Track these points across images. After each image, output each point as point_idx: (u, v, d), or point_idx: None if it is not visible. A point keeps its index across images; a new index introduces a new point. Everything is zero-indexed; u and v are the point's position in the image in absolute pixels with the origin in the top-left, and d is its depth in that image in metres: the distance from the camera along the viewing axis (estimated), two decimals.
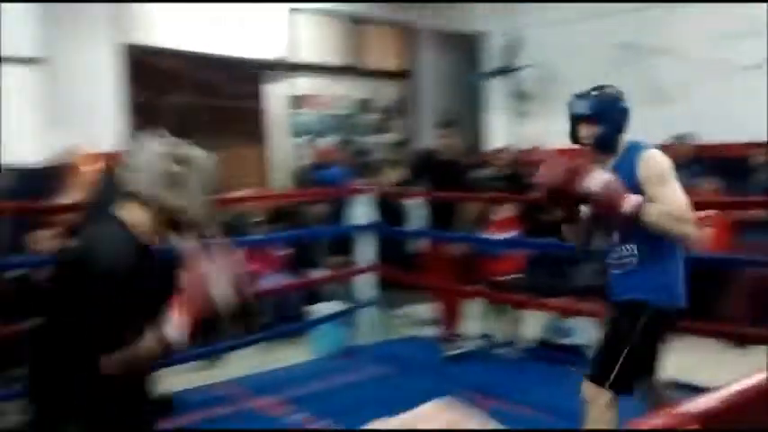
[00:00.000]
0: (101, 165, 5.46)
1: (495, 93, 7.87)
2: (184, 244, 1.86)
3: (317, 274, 5.97)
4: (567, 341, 4.97)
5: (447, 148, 5.34)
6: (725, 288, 5.54)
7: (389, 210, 7.07)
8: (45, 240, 4.69)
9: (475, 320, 5.44)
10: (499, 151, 7.49)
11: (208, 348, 5.01)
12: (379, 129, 8.83)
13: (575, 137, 2.76)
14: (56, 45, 5.75)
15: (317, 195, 6.36)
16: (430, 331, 5.55)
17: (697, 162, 6.09)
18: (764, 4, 5.69)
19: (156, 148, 1.87)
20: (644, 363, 2.68)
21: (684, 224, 2.44)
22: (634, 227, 2.50)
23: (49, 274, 1.85)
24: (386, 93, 8.82)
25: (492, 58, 7.84)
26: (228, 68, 7.64)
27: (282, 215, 6.55)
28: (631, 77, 6.72)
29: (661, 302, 2.60)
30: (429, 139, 6.17)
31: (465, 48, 8.81)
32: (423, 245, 5.71)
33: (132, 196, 1.84)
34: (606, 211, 2.52)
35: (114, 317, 1.71)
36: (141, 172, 1.83)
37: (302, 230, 6.12)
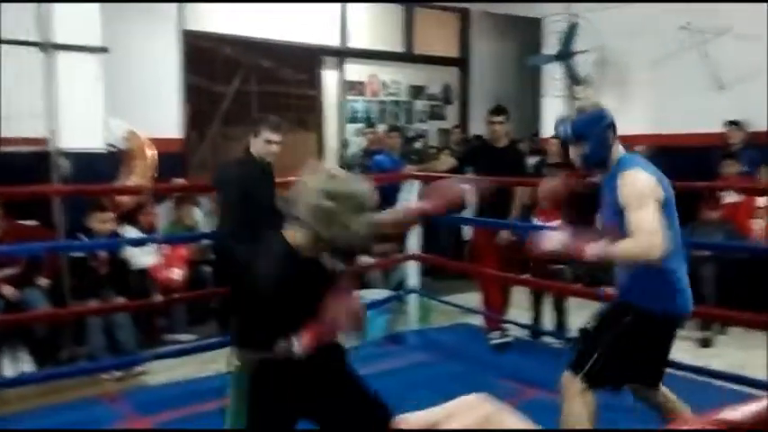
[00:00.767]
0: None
1: (553, 78, 7.72)
2: (338, 267, 2.21)
3: (364, 260, 6.02)
4: None
5: (498, 135, 5.29)
6: None
7: None
8: (104, 223, 4.90)
9: (521, 309, 5.40)
10: (553, 138, 7.40)
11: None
12: (433, 115, 8.80)
13: (566, 161, 2.89)
14: (118, 33, 5.91)
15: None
16: (476, 319, 5.54)
17: (753, 149, 5.88)
18: None
19: (314, 182, 2.11)
20: (629, 365, 2.71)
21: (646, 253, 2.46)
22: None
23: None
24: (440, 79, 8.78)
25: (549, 42, 7.69)
26: (284, 55, 7.73)
27: None
28: (693, 62, 6.52)
29: (652, 308, 2.63)
30: (483, 125, 6.13)
31: (521, 33, 8.68)
32: (472, 233, 5.68)
33: (296, 219, 2.13)
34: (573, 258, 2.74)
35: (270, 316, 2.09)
36: (301, 202, 2.10)
37: None
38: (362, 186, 2.17)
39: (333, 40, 7.68)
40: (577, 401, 2.67)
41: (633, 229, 2.48)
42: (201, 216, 5.95)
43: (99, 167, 5.18)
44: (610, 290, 5.41)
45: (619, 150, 2.75)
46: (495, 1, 8.27)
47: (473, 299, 5.67)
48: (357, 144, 7.79)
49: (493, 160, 5.21)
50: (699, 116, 6.48)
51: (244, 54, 7.47)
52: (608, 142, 2.71)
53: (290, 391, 2.19)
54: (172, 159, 6.31)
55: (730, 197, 5.56)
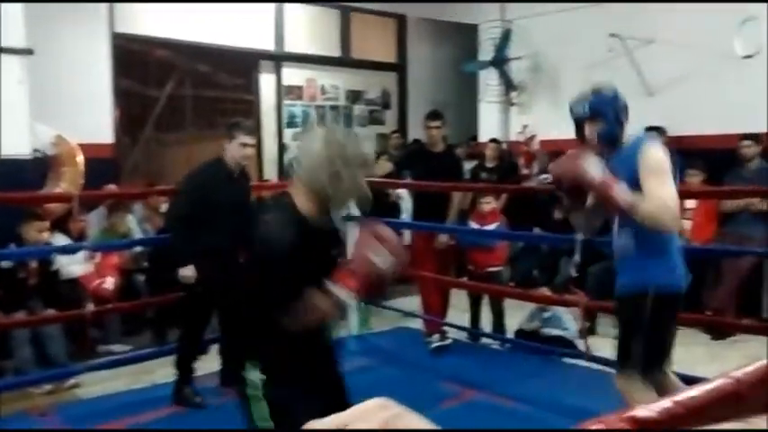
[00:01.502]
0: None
1: (488, 84, 7.85)
2: (348, 220, 2.28)
3: None
4: (549, 332, 4.98)
5: (435, 140, 5.34)
6: (712, 279, 5.57)
7: (379, 202, 7.09)
8: (40, 232, 4.73)
9: (460, 312, 5.46)
10: (490, 142, 7.52)
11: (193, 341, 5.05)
12: (371, 120, 8.83)
13: (581, 138, 2.91)
14: (44, 35, 5.73)
15: None
16: (415, 323, 5.57)
17: (677, 154, 6.09)
18: None
19: (322, 143, 2.11)
20: (660, 346, 2.81)
21: (665, 217, 2.58)
22: (626, 216, 2.65)
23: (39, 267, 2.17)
24: (378, 84, 8.81)
25: (485, 49, 7.81)
26: (220, 59, 7.64)
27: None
28: (622, 68, 6.72)
29: (660, 288, 2.72)
30: (421, 130, 6.18)
31: (458, 39, 8.79)
32: (411, 237, 5.71)
33: (300, 180, 2.13)
34: (599, 195, 2.71)
35: (285, 283, 2.02)
36: (309, 163, 2.10)
37: None
38: (360, 143, 2.22)
39: (269, 44, 7.62)
40: (643, 393, 2.71)
41: (656, 195, 2.57)
42: (135, 223, 5.80)
43: (25, 174, 5.00)
44: (540, 292, 5.56)
45: (628, 133, 2.88)
46: (421, 1, 8.35)
47: (412, 303, 5.70)
48: (295, 149, 7.74)
49: (430, 165, 5.26)
50: (629, 121, 6.67)
51: (178, 58, 7.34)
52: (622, 121, 2.87)
53: (307, 378, 2.19)
54: (103, 165, 6.14)
55: None
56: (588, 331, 4.92)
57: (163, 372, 4.45)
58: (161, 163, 6.91)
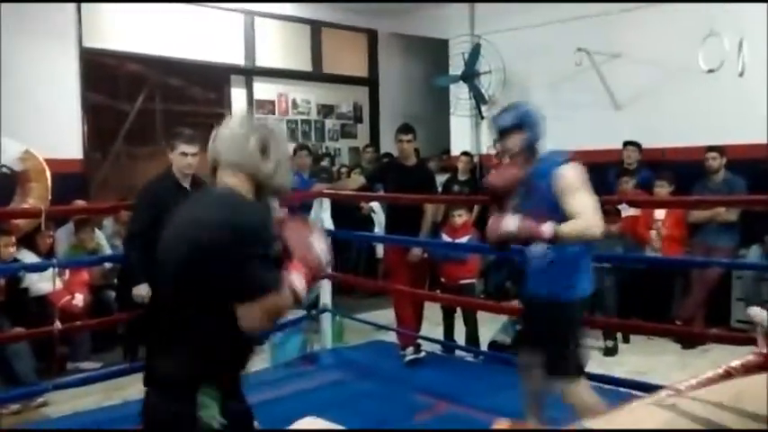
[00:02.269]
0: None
1: (459, 98, 7.92)
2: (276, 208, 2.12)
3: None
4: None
5: (407, 153, 5.37)
6: (681, 289, 5.66)
7: (352, 215, 7.09)
8: (7, 247, 4.66)
9: (434, 325, 5.47)
10: (462, 155, 7.57)
11: None
12: (344, 134, 8.84)
13: (502, 150, 3.03)
14: (13, 50, 5.67)
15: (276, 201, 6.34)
16: (390, 336, 5.56)
17: (646, 167, 6.21)
18: (722, 5, 5.81)
19: (246, 124, 2.04)
20: (582, 349, 3.00)
21: (591, 230, 2.75)
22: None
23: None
24: (350, 98, 8.84)
25: (455, 63, 7.89)
26: (191, 73, 7.60)
27: None
28: (590, 82, 6.84)
29: (578, 295, 2.91)
30: (392, 144, 6.21)
31: (429, 53, 8.87)
32: (382, 250, 5.73)
33: (229, 167, 1.97)
34: (527, 241, 2.85)
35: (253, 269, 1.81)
36: (236, 145, 1.97)
37: None
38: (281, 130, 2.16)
39: (240, 59, 7.61)
40: (580, 394, 2.85)
41: (578, 210, 2.73)
42: (104, 239, 5.73)
43: None
44: (512, 305, 5.60)
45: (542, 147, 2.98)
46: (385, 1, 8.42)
47: (387, 316, 5.70)
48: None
49: (402, 178, 5.28)
50: (597, 134, 6.78)
51: (149, 72, 7.29)
52: (541, 133, 2.96)
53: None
54: (72, 180, 6.07)
55: (628, 211, 5.84)
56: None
57: (134, 388, 4.37)
58: (132, 177, 6.82)
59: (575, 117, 7.06)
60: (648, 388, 3.68)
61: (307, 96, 8.36)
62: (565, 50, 6.71)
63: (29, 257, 4.93)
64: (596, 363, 4.99)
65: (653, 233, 5.72)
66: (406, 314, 5.20)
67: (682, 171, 5.79)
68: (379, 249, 7.14)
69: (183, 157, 3.92)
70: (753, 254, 5.41)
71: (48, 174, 5.46)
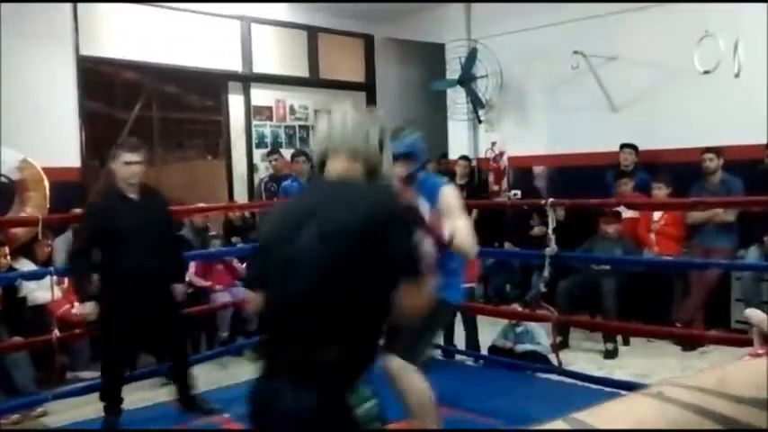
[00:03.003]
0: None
1: (456, 102, 7.93)
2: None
3: None
4: (522, 347, 5.01)
5: None
6: (680, 291, 5.65)
7: None
8: (4, 257, 4.65)
9: None
10: (460, 159, 7.58)
11: (165, 365, 4.98)
12: None
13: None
14: (10, 59, 5.67)
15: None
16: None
17: (643, 169, 6.22)
18: (717, 7, 5.82)
19: (364, 113, 2.08)
20: (428, 343, 3.31)
21: (467, 248, 2.93)
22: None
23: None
24: (346, 103, 8.84)
25: (452, 68, 7.90)
26: (188, 80, 7.61)
27: (240, 228, 6.53)
28: (587, 85, 6.85)
29: (450, 298, 3.13)
30: None
31: (425, 58, 8.88)
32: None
33: (350, 153, 1.96)
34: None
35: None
36: (361, 132, 1.97)
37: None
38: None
39: (237, 65, 7.62)
40: (417, 378, 3.04)
41: (460, 229, 2.90)
42: None
43: None
44: (511, 308, 5.60)
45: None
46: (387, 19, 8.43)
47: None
48: (266, 169, 7.72)
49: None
50: (593, 137, 6.80)
51: (146, 80, 7.30)
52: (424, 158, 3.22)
53: None
54: (70, 188, 6.06)
55: (628, 213, 5.85)
56: (560, 345, 4.96)
57: (133, 397, 4.38)
58: None
59: (572, 120, 7.09)
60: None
61: (304, 102, 8.36)
62: (561, 53, 6.72)
63: (27, 266, 4.92)
64: (597, 365, 5.00)
65: (653, 235, 5.73)
66: None
67: (679, 172, 5.79)
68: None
69: (126, 167, 3.87)
70: (751, 254, 5.41)
71: (45, 182, 5.46)
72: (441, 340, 5.36)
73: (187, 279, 5.62)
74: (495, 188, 7.81)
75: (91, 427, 4.08)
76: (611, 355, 5.29)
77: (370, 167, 1.97)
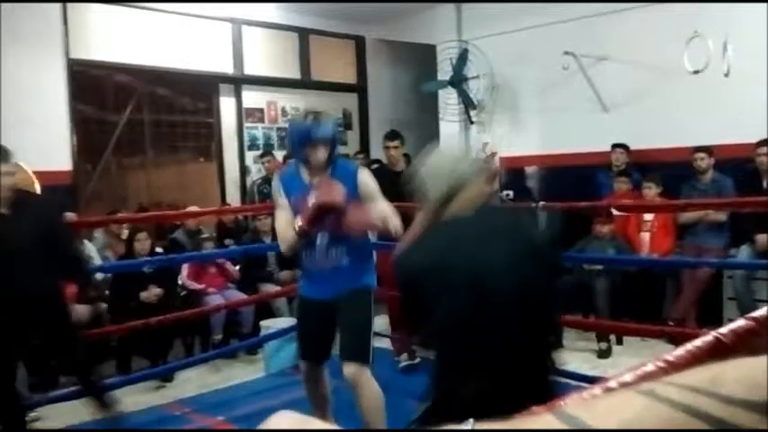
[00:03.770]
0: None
1: (447, 103, 7.94)
2: None
3: (268, 289, 5.94)
4: None
5: (395, 159, 5.37)
6: (672, 290, 5.68)
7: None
8: None
9: None
10: None
11: (160, 368, 4.97)
12: None
13: (309, 158, 3.11)
14: (0, 63, 5.65)
15: (267, 209, 6.34)
16: (384, 343, 5.55)
17: (635, 169, 6.25)
18: (705, 5, 5.86)
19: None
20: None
21: (398, 226, 3.06)
22: (344, 234, 3.02)
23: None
24: (339, 105, 8.84)
25: (443, 69, 7.91)
26: (179, 82, 7.59)
27: (232, 230, 6.52)
28: (577, 86, 6.88)
29: (373, 288, 3.29)
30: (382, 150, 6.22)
31: (417, 59, 8.89)
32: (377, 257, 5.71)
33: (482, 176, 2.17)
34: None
35: None
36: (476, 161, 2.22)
37: (252, 245, 6.08)
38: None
39: (228, 68, 7.61)
40: (374, 383, 3.12)
41: (383, 209, 3.08)
42: (95, 251, 5.70)
43: None
44: None
45: None
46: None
47: (380, 323, 5.69)
48: (258, 171, 7.72)
49: (391, 184, 5.27)
50: (585, 137, 6.83)
51: (137, 82, 7.28)
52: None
53: None
54: (62, 192, 6.04)
55: (620, 212, 5.87)
56: (554, 345, 4.96)
57: (128, 401, 4.36)
58: (123, 188, 6.83)
59: (563, 120, 7.11)
60: None
61: (296, 104, 8.35)
62: (552, 54, 6.75)
63: None
64: (591, 365, 5.02)
65: (644, 235, 5.75)
66: (399, 321, 5.20)
67: (669, 172, 5.82)
68: (373, 256, 7.12)
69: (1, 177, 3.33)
70: (743, 253, 5.44)
71: (37, 186, 5.44)
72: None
73: (180, 282, 5.63)
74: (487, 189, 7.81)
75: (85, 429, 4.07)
76: (604, 354, 5.31)
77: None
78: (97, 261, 5.61)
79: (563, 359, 4.53)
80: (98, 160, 7.13)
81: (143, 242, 5.31)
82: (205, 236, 5.98)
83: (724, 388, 0.47)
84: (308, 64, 8.35)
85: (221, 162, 7.76)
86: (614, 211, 5.75)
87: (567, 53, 6.63)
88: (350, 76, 8.93)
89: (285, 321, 5.37)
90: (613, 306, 5.42)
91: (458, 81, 7.63)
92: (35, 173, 5.47)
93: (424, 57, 8.51)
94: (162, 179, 7.84)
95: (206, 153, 8.05)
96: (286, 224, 3.05)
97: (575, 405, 0.50)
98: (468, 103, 7.70)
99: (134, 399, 4.52)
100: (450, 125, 8.08)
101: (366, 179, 3.17)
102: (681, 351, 0.83)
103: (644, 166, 6.27)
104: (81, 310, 4.10)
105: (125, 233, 5.74)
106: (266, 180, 6.94)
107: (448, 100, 7.91)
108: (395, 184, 5.26)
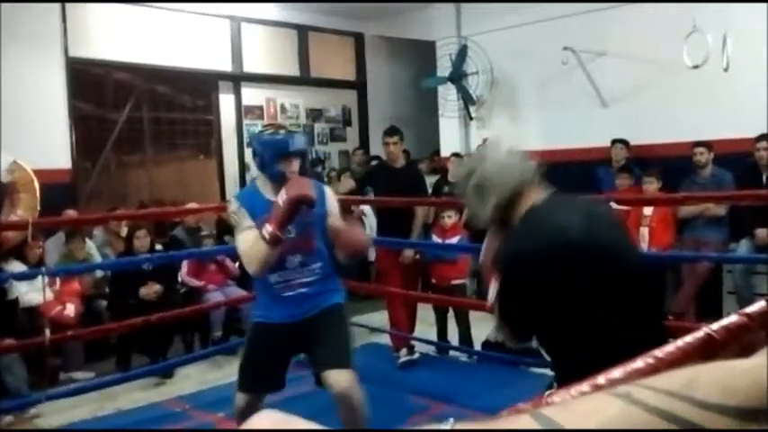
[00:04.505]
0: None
1: (447, 99, 7.94)
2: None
3: None
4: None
5: (395, 156, 5.37)
6: (672, 284, 5.68)
7: (343, 219, 7.09)
8: None
9: (427, 326, 5.47)
10: (452, 156, 7.58)
11: (160, 365, 4.98)
12: (333, 137, 8.85)
13: (285, 171, 2.97)
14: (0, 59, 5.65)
15: None
16: (384, 339, 5.56)
17: (635, 164, 6.25)
18: (703, 3, 5.85)
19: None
20: None
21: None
22: (317, 249, 3.05)
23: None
24: (338, 102, 8.85)
25: (442, 65, 7.91)
26: (178, 80, 7.59)
27: (231, 227, 6.51)
28: (577, 81, 6.87)
29: (343, 303, 3.22)
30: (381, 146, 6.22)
31: (416, 55, 8.89)
32: (375, 252, 5.73)
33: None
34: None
35: None
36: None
37: None
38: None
39: (228, 65, 7.61)
40: (359, 388, 3.04)
41: (344, 224, 3.11)
42: (95, 249, 5.71)
43: None
44: None
45: None
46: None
47: (380, 318, 5.70)
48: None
49: (391, 180, 5.28)
50: (584, 132, 6.82)
51: (136, 80, 7.28)
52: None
53: None
54: (61, 190, 6.05)
55: (618, 206, 5.86)
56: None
57: (128, 398, 4.38)
58: (122, 186, 6.84)
59: (562, 115, 7.10)
60: None
61: (295, 101, 8.36)
62: (551, 49, 6.74)
63: (18, 268, 4.90)
64: None
65: (643, 229, 5.75)
66: (399, 316, 5.20)
67: (669, 166, 5.82)
68: (371, 252, 7.14)
69: None
70: (742, 247, 5.44)
71: (36, 184, 5.44)
72: (435, 337, 5.39)
73: (180, 279, 5.64)
74: None
75: (86, 428, 4.08)
76: None
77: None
78: (97, 259, 5.62)
79: None
80: (97, 158, 7.14)
81: (143, 239, 5.31)
82: (205, 233, 5.99)
83: (699, 392, 0.47)
84: (308, 61, 8.35)
85: (221, 159, 7.77)
86: (614, 205, 5.75)
87: (566, 48, 6.62)
88: (349, 73, 8.93)
89: None
90: None
91: (457, 77, 7.63)
92: (34, 171, 5.48)
93: (423, 53, 8.51)
94: (161, 176, 7.84)
95: (205, 150, 8.05)
96: (254, 239, 2.83)
97: (552, 407, 0.51)
98: (467, 99, 7.69)
99: (134, 395, 4.53)
100: (449, 121, 8.07)
101: (332, 196, 3.20)
102: (671, 347, 0.83)
103: (643, 160, 6.27)
104: None
105: (124, 231, 5.75)
106: None
107: (447, 96, 7.90)
108: (394, 180, 5.28)
